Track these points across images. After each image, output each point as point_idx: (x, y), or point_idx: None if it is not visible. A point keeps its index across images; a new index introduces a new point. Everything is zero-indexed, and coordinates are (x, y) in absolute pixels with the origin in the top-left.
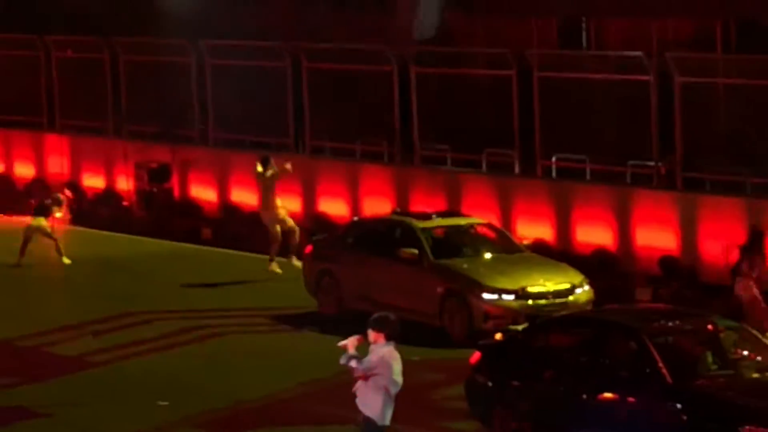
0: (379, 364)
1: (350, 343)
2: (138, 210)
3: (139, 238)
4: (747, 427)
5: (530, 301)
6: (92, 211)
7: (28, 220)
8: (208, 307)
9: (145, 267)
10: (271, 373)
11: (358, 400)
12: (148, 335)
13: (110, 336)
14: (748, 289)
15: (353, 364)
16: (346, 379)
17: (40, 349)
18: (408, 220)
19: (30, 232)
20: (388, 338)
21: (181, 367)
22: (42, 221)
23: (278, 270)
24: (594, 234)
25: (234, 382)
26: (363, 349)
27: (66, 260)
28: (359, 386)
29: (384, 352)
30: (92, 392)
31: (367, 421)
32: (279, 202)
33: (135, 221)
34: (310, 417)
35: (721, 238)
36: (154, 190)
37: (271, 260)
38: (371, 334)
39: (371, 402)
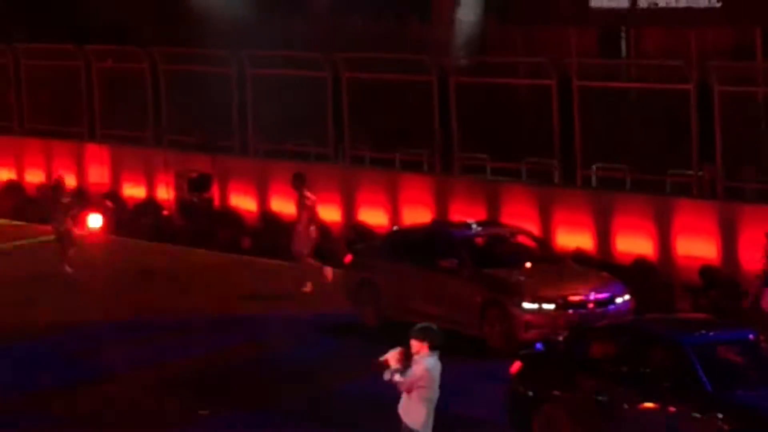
0: (424, 375)
1: (391, 357)
2: (178, 220)
3: (178, 247)
4: None
5: (571, 311)
6: (132, 220)
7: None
8: (247, 315)
9: (185, 276)
10: (309, 380)
11: (401, 411)
12: (185, 343)
13: (146, 343)
14: None
15: (397, 378)
16: (384, 387)
17: (75, 355)
18: (448, 229)
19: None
20: (432, 348)
21: (219, 375)
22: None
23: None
24: (634, 243)
25: (270, 389)
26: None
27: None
28: (403, 397)
29: (428, 363)
30: (123, 399)
31: (410, 431)
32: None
33: (175, 231)
34: (345, 422)
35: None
36: (195, 199)
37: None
38: (414, 345)
39: (414, 412)
